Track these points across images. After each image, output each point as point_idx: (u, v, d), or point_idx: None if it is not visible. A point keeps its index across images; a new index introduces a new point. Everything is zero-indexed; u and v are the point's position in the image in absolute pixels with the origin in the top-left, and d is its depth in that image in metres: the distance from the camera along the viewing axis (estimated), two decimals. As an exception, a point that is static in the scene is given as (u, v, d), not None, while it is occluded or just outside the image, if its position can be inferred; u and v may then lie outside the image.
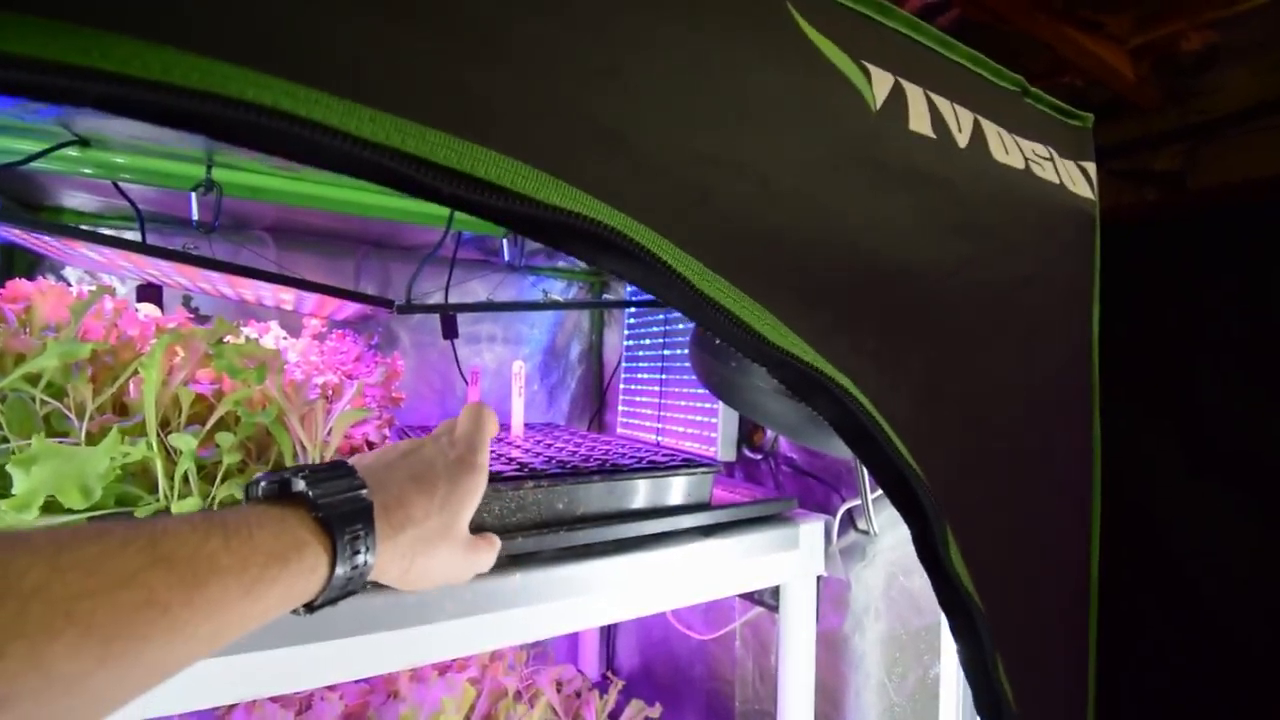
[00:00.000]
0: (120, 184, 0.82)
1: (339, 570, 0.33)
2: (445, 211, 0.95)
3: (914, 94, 0.41)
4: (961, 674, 0.78)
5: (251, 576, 0.29)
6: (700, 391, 1.08)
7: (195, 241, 0.97)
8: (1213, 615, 0.59)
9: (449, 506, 0.40)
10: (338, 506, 0.34)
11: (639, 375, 1.26)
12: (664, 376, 1.16)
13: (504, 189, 0.24)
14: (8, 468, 0.39)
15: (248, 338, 0.67)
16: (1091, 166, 0.56)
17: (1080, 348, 0.52)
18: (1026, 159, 0.48)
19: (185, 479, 0.50)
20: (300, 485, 0.35)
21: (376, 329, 1.22)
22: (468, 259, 1.26)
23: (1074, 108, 0.59)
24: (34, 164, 0.71)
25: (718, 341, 0.77)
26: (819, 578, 0.84)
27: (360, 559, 0.34)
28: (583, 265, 1.37)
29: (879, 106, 0.39)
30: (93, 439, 0.47)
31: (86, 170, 0.80)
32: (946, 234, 0.42)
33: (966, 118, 0.45)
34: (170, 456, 0.50)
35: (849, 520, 0.88)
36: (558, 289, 1.41)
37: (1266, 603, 0.56)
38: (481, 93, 0.24)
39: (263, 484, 0.35)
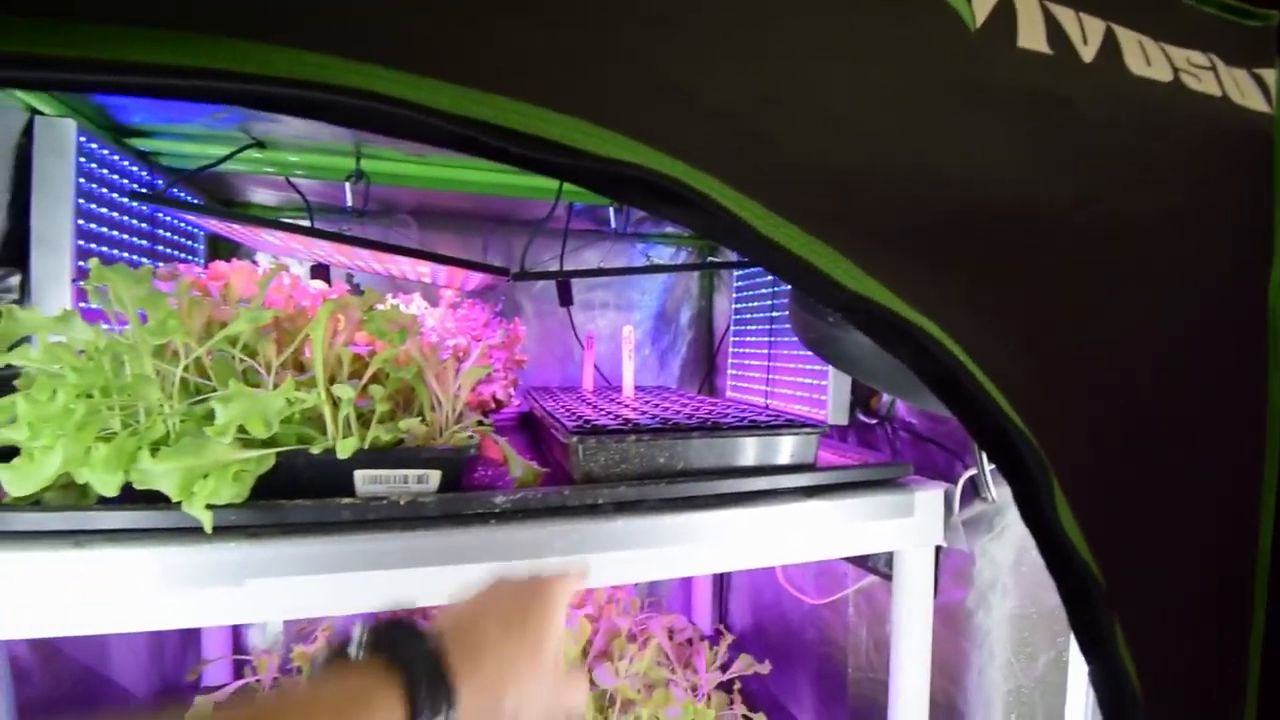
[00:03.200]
0: (291, 179, 0.97)
1: (418, 697, 0.32)
2: (555, 184, 1.00)
3: (1026, 5, 0.36)
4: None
5: None
6: (809, 354, 1.05)
7: (349, 226, 1.12)
8: None
9: (530, 631, 0.39)
10: (411, 661, 0.33)
11: (747, 339, 1.25)
12: (772, 339, 1.14)
13: (564, 146, 0.26)
14: (213, 403, 0.50)
15: (393, 306, 0.77)
16: (1271, 74, 0.46)
17: (1254, 293, 0.43)
18: (1176, 69, 0.41)
19: (347, 423, 0.59)
20: (356, 646, 0.35)
21: (501, 298, 1.32)
22: (580, 229, 1.31)
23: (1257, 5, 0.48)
24: (223, 165, 0.85)
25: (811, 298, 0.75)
26: (938, 549, 0.80)
27: (441, 687, 0.33)
28: (689, 230, 1.37)
29: (979, 24, 0.35)
30: (278, 389, 0.58)
31: (268, 169, 0.95)
32: (1064, 163, 0.37)
33: (1096, 27, 0.38)
34: (335, 404, 0.59)
35: (972, 489, 0.82)
36: (666, 254, 1.43)
37: None
38: (542, 54, 0.26)
39: (339, 649, 0.35)
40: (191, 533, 0.51)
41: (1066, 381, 0.36)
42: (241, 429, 0.51)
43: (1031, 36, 0.36)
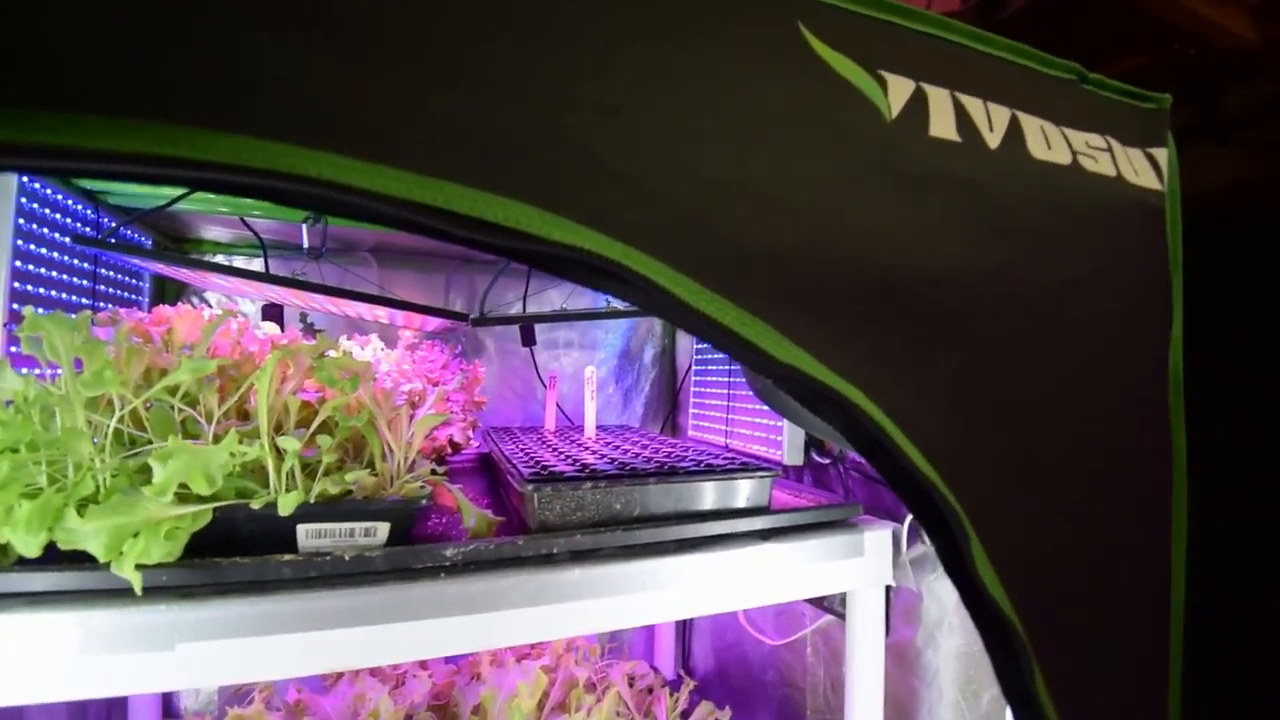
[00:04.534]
0: (246, 219, 0.96)
1: None
2: (518, 228, 1.01)
3: (938, 97, 0.40)
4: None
5: None
6: (767, 395, 1.08)
7: (305, 266, 1.11)
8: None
9: None
10: None
11: (708, 379, 1.28)
12: (731, 380, 1.17)
13: (510, 229, 0.27)
14: (149, 461, 0.48)
15: (345, 351, 0.76)
16: (1163, 153, 0.51)
17: (1153, 349, 0.47)
18: (1075, 152, 0.45)
19: (291, 475, 0.58)
20: None
21: (463, 338, 1.31)
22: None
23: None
24: (178, 205, 0.84)
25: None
26: (889, 588, 0.82)
27: None
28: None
29: (895, 115, 0.38)
30: (219, 440, 0.56)
31: (222, 209, 0.94)
32: (976, 238, 0.40)
33: (1001, 115, 0.43)
34: (280, 455, 0.58)
35: (918, 530, 0.84)
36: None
37: None
38: (487, 139, 0.27)
39: None
40: (118, 594, 0.49)
41: (985, 440, 0.39)
42: (181, 484, 0.49)
43: (942, 126, 0.40)
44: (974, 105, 0.42)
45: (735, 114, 0.34)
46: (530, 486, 0.66)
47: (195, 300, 1.08)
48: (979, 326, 0.40)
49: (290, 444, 0.55)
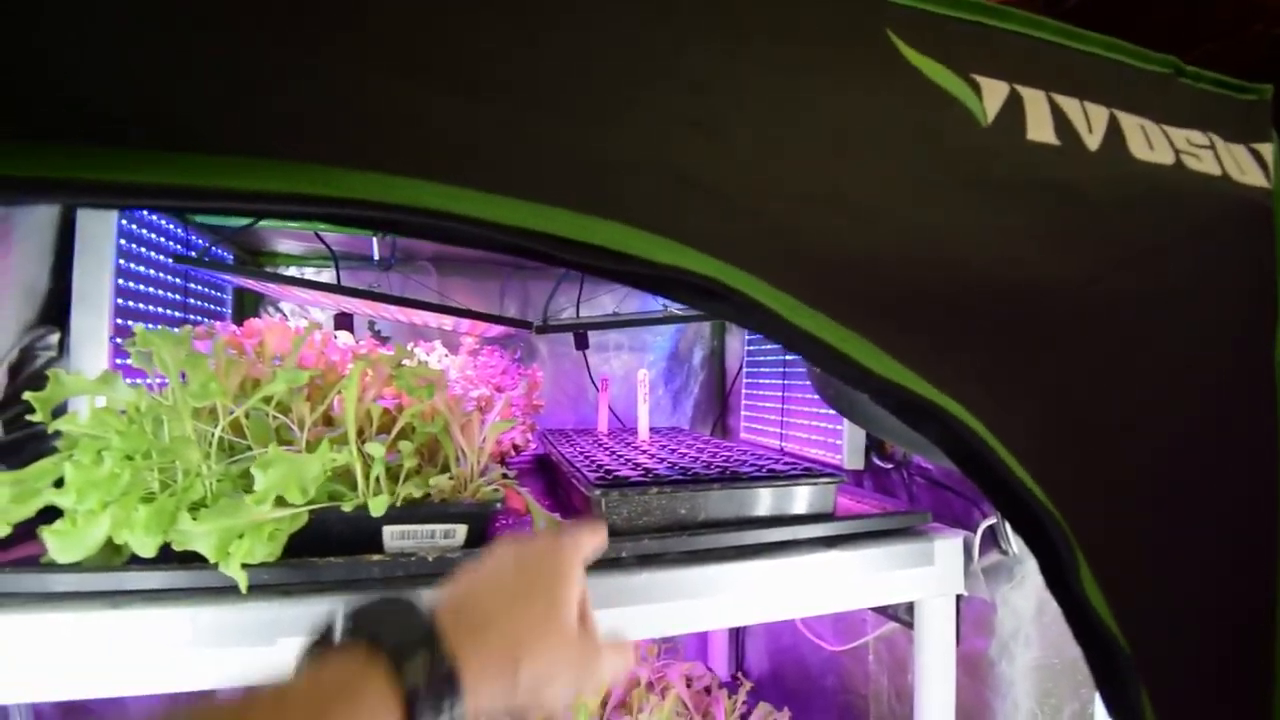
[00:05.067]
0: (320, 233, 1.00)
1: (411, 683, 0.28)
2: (574, 234, 1.03)
3: (1034, 99, 0.39)
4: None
5: None
6: (825, 398, 1.06)
7: (375, 274, 1.15)
8: None
9: (538, 598, 0.34)
10: (402, 647, 0.29)
11: (761, 381, 1.27)
12: (786, 383, 1.16)
13: (617, 253, 0.28)
14: (252, 470, 0.51)
15: (420, 360, 0.79)
16: (1268, 148, 0.48)
17: (1259, 357, 0.45)
18: (1178, 151, 0.43)
19: (377, 480, 0.60)
20: (339, 630, 0.30)
21: (519, 343, 1.34)
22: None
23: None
24: (260, 223, 0.89)
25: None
26: (959, 597, 0.79)
27: (438, 668, 0.29)
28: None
29: (990, 120, 0.37)
30: (310, 446, 0.59)
31: (293, 224, 0.98)
32: (1076, 246, 0.39)
33: (1100, 115, 0.41)
34: (365, 460, 0.61)
35: (991, 538, 0.82)
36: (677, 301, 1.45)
37: None
38: (593, 166, 0.28)
39: (324, 638, 0.31)
40: (225, 592, 0.52)
41: (1090, 453, 0.38)
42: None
43: (1040, 129, 0.39)
44: (1071, 106, 0.40)
45: (827, 126, 0.34)
46: (598, 491, 0.67)
47: (272, 310, 1.13)
48: (1078, 339, 0.38)
49: (377, 450, 0.58)
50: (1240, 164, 0.46)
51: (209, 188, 0.23)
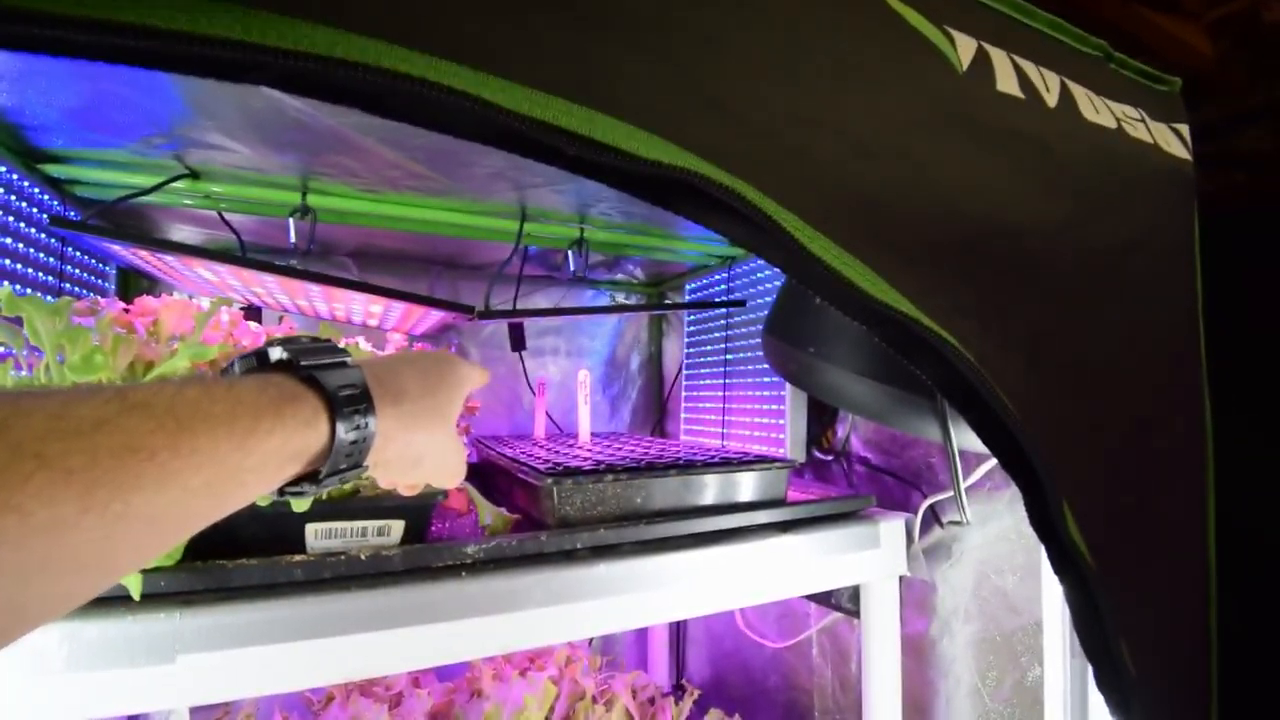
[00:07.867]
0: (224, 214, 0.90)
1: (340, 428, 0.31)
2: (514, 227, 0.99)
3: (998, 57, 0.41)
4: (1067, 676, 0.73)
5: (243, 427, 0.26)
6: (766, 393, 1.07)
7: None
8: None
9: (443, 389, 0.40)
10: (327, 368, 0.32)
11: (701, 380, 1.27)
12: (727, 380, 1.16)
13: (618, 149, 0.25)
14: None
15: (353, 344, 0.72)
16: (1184, 128, 0.54)
17: (1187, 315, 0.49)
18: (1118, 119, 0.47)
19: (297, 471, 0.53)
20: (279, 353, 0.33)
21: (451, 343, 1.27)
22: (532, 274, 1.30)
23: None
24: (148, 197, 0.78)
25: (790, 329, 0.77)
26: (901, 579, 0.81)
27: (360, 420, 0.32)
28: (640, 276, 1.39)
29: (965, 68, 0.39)
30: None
31: (187, 201, 0.88)
32: (1046, 194, 0.41)
33: (1054, 79, 0.44)
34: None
35: (932, 518, 0.85)
36: (618, 299, 1.44)
37: None
38: (598, 62, 0.26)
39: (238, 361, 0.33)
40: (112, 602, 0.44)
41: (1063, 393, 0.39)
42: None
43: (1007, 82, 0.41)
44: (1029, 67, 0.43)
45: (824, 57, 0.33)
46: (550, 480, 0.63)
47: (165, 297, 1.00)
48: (1051, 283, 0.40)
49: (301, 434, 0.51)
50: (1166, 139, 0.51)
51: (158, 28, 0.18)
